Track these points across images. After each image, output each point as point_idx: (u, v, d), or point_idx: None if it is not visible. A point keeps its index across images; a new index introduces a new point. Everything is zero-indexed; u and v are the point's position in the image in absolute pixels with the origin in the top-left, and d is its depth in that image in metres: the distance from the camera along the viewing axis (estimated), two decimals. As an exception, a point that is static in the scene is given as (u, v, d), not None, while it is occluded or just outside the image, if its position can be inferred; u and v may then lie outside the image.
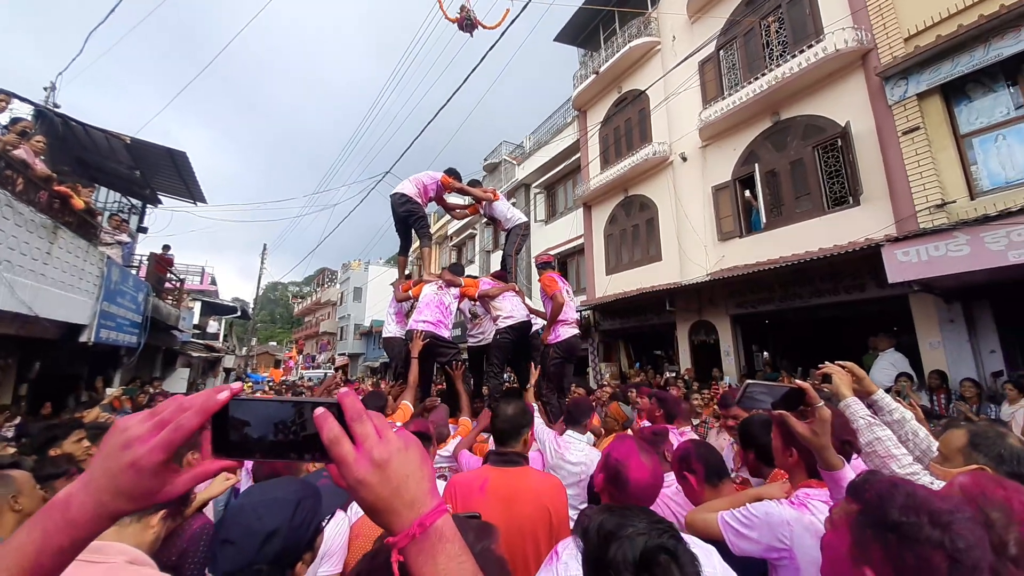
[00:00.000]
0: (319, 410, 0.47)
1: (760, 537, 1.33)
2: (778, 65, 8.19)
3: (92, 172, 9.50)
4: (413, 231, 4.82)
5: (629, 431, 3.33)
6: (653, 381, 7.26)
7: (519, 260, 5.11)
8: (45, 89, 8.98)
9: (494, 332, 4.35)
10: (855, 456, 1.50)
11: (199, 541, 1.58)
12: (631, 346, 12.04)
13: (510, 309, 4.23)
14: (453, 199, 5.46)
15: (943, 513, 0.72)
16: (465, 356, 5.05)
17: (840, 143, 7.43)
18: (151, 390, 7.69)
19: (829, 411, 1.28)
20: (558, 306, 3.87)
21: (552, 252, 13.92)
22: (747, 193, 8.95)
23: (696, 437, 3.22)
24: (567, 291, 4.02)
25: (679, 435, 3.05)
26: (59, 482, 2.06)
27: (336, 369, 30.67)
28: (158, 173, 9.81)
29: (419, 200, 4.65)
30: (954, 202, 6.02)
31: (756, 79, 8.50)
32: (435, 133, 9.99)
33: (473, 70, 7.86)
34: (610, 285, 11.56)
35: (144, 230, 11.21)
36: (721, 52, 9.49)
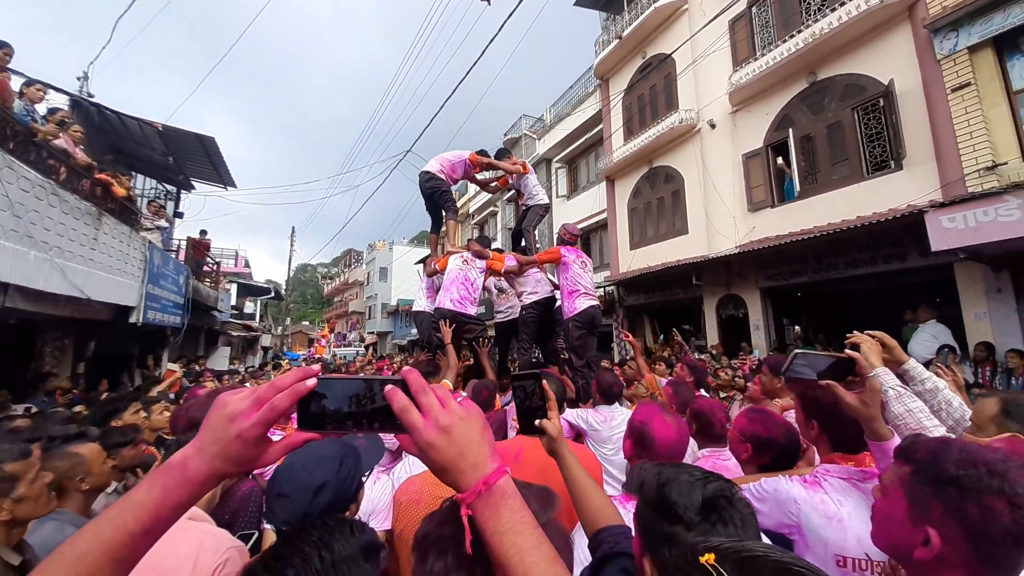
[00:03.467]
0: (389, 386, 0.53)
1: (770, 512, 1.31)
2: (816, 20, 7.68)
3: (128, 160, 9.88)
4: (441, 208, 4.86)
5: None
6: (680, 355, 7.19)
7: (538, 238, 5.13)
8: (78, 79, 9.29)
9: (520, 308, 4.41)
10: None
11: (248, 501, 1.72)
12: (656, 321, 11.93)
13: (534, 285, 4.27)
14: (482, 175, 5.47)
15: (997, 463, 0.75)
16: (492, 333, 5.15)
17: (883, 103, 6.98)
18: (197, 368, 8.15)
19: (879, 382, 1.24)
20: (528, 262, 4.23)
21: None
22: (780, 160, 8.57)
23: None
24: (582, 262, 4.03)
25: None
26: (126, 450, 2.23)
27: (367, 347, 31.67)
28: (190, 159, 10.11)
29: (443, 177, 4.68)
30: (1006, 164, 5.62)
31: (791, 37, 8.01)
32: (455, 110, 9.91)
33: (491, 40, 7.67)
34: (635, 260, 11.40)
35: (180, 215, 11.65)
36: (754, 9, 8.96)
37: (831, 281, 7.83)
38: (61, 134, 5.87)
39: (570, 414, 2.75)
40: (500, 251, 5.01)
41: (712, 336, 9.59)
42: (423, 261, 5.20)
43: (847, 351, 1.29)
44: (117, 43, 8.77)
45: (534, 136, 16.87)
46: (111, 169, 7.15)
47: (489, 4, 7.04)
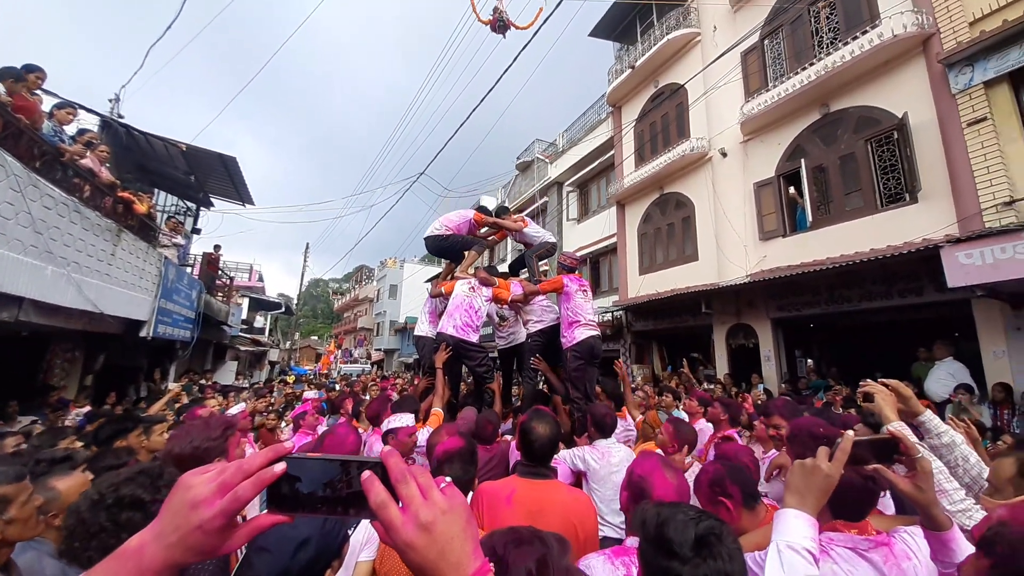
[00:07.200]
0: (365, 474, 0.49)
1: None
2: (828, 53, 7.75)
3: (152, 178, 10.19)
4: (464, 252, 4.81)
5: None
6: (688, 386, 7.05)
7: (544, 269, 5.12)
8: (110, 101, 9.71)
9: (525, 336, 4.39)
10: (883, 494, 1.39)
11: None
12: (665, 348, 11.76)
13: (539, 314, 4.26)
14: (483, 231, 5.50)
15: None
16: (495, 354, 5.12)
17: (896, 136, 6.95)
18: (203, 382, 8.19)
19: (930, 462, 1.13)
20: (532, 292, 4.19)
21: (584, 251, 13.80)
22: (792, 190, 8.53)
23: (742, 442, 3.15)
24: (583, 291, 4.01)
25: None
26: (115, 474, 2.20)
27: (373, 364, 31.65)
28: (211, 177, 10.40)
29: (451, 232, 4.74)
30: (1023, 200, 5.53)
31: (804, 69, 8.08)
32: (469, 133, 10.10)
33: (505, 71, 7.87)
34: (643, 285, 11.33)
35: (198, 231, 11.92)
36: (766, 41, 9.07)
37: (844, 313, 7.67)
38: (88, 154, 6.08)
39: (566, 455, 2.67)
40: (506, 277, 5.02)
41: (722, 366, 9.41)
42: (432, 280, 5.21)
43: (889, 428, 1.19)
44: (150, 68, 9.16)
45: (546, 160, 17.10)
46: (134, 187, 7.37)
47: (504, 38, 7.24)
